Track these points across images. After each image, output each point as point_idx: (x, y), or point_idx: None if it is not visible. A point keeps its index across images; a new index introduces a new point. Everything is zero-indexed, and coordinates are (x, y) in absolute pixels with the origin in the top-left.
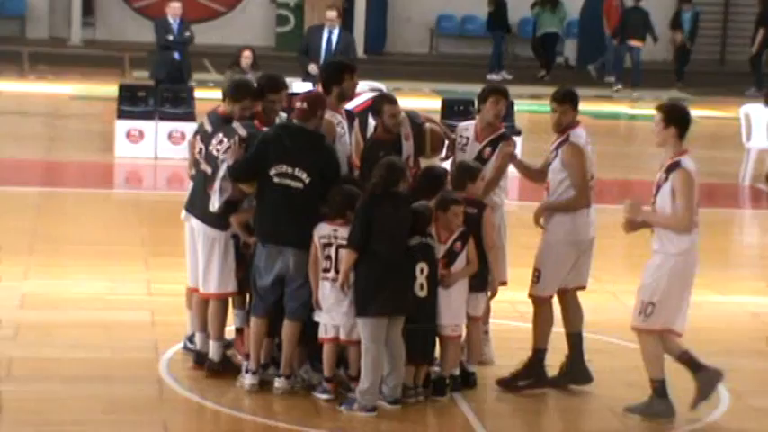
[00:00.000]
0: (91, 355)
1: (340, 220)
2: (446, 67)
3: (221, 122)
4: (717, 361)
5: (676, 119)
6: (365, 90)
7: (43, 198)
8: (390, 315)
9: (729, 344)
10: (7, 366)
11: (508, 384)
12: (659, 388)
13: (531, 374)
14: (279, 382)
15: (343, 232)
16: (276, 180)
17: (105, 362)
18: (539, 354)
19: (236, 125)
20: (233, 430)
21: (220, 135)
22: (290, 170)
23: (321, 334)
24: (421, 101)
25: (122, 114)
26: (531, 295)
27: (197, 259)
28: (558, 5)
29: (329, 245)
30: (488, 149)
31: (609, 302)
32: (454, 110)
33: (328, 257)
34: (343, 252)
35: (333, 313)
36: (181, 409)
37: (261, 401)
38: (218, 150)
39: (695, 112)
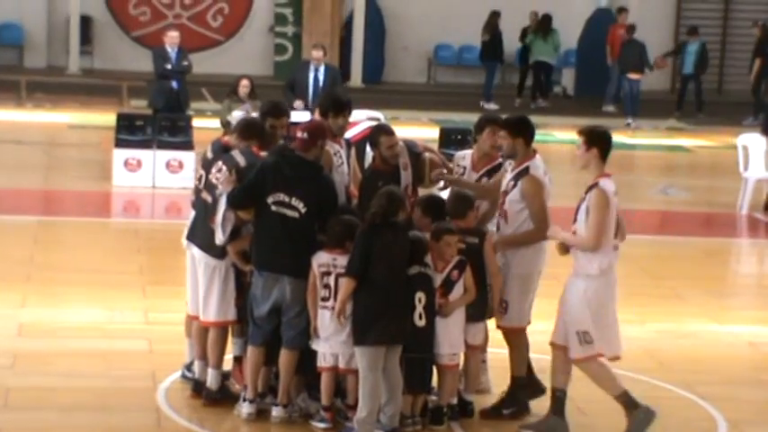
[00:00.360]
0: (88, 384)
1: (339, 250)
2: (444, 97)
3: (222, 150)
4: (713, 391)
5: (598, 140)
6: (363, 119)
7: (41, 227)
8: (388, 344)
9: (727, 373)
10: (4, 396)
11: (491, 415)
12: (627, 401)
13: (513, 403)
14: (276, 411)
15: (343, 261)
16: (273, 208)
17: (103, 391)
18: (518, 381)
19: (234, 153)
20: None
21: (219, 163)
22: (287, 199)
23: (320, 362)
24: (419, 130)
25: (120, 143)
26: (500, 326)
27: (198, 287)
28: (551, 33)
29: (328, 273)
30: (485, 180)
31: None
32: (452, 139)
33: (327, 286)
34: (341, 281)
35: (331, 342)
36: None
37: (258, 430)
38: (217, 179)
39: (693, 142)
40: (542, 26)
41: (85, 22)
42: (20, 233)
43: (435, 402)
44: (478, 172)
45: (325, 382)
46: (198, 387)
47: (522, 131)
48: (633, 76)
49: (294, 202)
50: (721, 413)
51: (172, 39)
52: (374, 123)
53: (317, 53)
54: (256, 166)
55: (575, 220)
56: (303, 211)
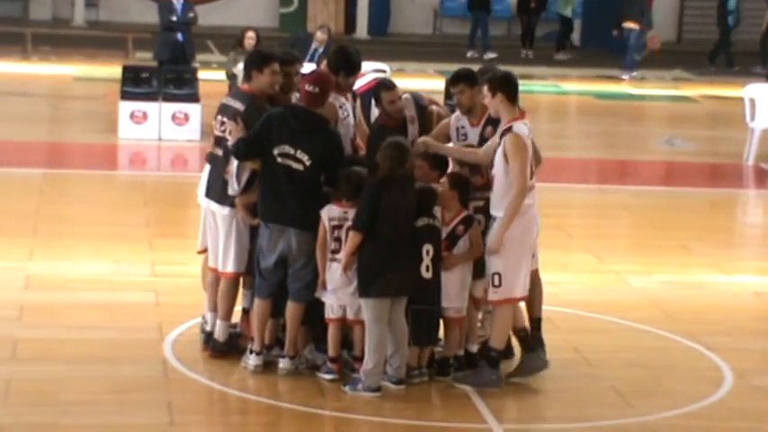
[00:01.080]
0: (95, 336)
1: (351, 203)
2: (449, 48)
3: None
4: (719, 341)
5: (500, 85)
6: (369, 71)
7: (47, 179)
8: (393, 296)
9: (732, 324)
10: (12, 347)
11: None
12: (495, 357)
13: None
14: (283, 363)
15: (353, 214)
16: (279, 160)
17: (110, 343)
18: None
19: (227, 101)
20: (237, 410)
21: (219, 117)
22: (291, 151)
23: (327, 314)
24: (425, 81)
25: (126, 95)
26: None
27: (218, 241)
28: None
29: (339, 227)
30: (489, 129)
31: (612, 282)
32: None
33: (338, 239)
34: (351, 234)
35: (339, 293)
36: (185, 389)
37: (265, 382)
38: (222, 132)
39: (700, 92)
40: None
41: None
42: (26, 186)
43: (441, 354)
44: (477, 125)
45: (332, 333)
46: (208, 338)
47: (471, 83)
48: (629, 25)
49: (299, 154)
50: (727, 363)
51: None
52: (380, 75)
53: (322, 36)
54: (254, 105)
55: (491, 166)
56: (308, 163)
